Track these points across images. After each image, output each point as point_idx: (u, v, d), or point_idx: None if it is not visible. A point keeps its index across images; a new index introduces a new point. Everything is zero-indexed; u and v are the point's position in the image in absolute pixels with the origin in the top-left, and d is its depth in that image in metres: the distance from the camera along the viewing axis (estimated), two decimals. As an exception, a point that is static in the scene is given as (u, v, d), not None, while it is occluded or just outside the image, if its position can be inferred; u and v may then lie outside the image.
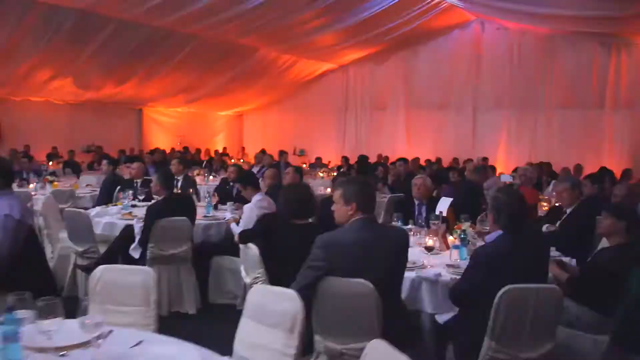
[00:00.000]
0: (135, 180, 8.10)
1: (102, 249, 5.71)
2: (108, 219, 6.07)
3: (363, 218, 3.16)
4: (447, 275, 3.88)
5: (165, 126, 20.75)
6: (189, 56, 15.80)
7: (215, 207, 6.96)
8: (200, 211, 6.59)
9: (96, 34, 13.39)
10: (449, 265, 4.08)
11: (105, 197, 7.81)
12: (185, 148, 19.33)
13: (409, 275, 3.74)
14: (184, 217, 5.37)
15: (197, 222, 5.98)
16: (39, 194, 7.71)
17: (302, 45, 16.83)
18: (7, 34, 12.50)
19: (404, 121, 18.82)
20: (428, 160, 15.60)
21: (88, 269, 5.66)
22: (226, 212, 6.36)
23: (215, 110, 22.16)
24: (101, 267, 3.31)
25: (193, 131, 21.14)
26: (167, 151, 18.25)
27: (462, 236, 4.29)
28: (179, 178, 8.32)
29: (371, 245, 3.11)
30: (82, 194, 8.28)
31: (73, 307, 5.74)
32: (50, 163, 14.89)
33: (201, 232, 6.02)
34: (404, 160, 12.37)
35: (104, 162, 8.63)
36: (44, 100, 16.63)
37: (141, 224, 5.39)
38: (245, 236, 4.46)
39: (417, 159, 14.75)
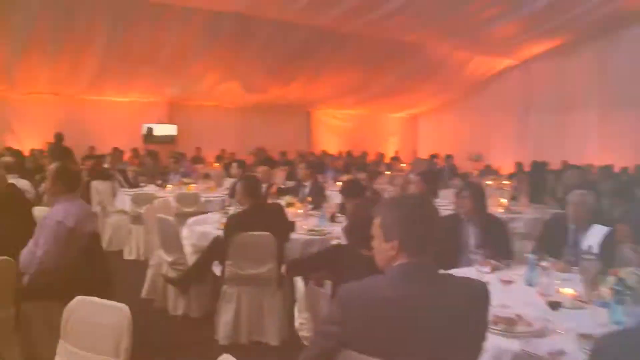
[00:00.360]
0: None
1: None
2: (204, 228, 5.48)
3: (409, 263, 1.94)
4: (574, 354, 2.37)
5: (334, 128, 20.42)
6: (353, 55, 15.18)
7: (332, 219, 6.01)
8: (313, 222, 5.73)
9: (256, 36, 13.38)
10: (583, 336, 2.48)
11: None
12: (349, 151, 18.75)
13: (499, 345, 2.42)
14: (267, 233, 4.50)
15: (298, 236, 5.11)
16: (160, 195, 7.57)
17: (476, 39, 15.12)
18: (174, 40, 13.00)
19: (597, 123, 15.94)
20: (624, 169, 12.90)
21: (173, 282, 5.12)
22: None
23: (386, 112, 21.31)
24: (77, 298, 2.58)
25: (364, 134, 20.50)
26: (336, 154, 17.91)
27: (620, 288, 2.73)
28: (306, 184, 7.57)
29: (415, 309, 1.89)
30: (212, 198, 7.95)
31: (163, 321, 5.27)
32: (217, 164, 15.36)
33: (300, 248, 5.11)
34: (578, 167, 10.16)
35: (234, 164, 8.25)
36: (215, 104, 17.26)
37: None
38: (299, 267, 3.46)
39: (608, 167, 12.25)
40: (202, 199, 7.75)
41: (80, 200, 4.28)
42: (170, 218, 5.16)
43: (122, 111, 15.81)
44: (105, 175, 8.76)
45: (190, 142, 16.58)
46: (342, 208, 5.82)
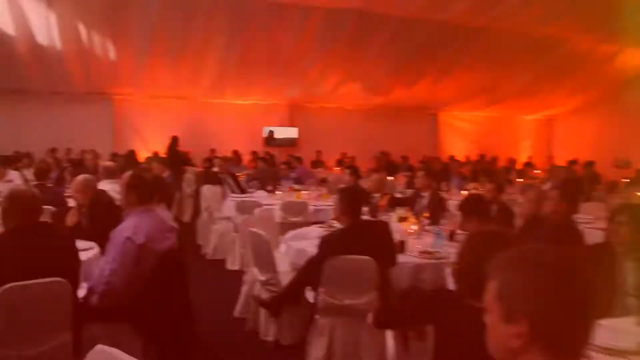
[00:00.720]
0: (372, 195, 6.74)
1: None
2: (302, 245, 4.81)
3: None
4: None
5: (462, 131, 19.06)
6: (482, 53, 13.86)
7: (452, 238, 5.07)
8: (428, 241, 4.86)
9: (378, 34, 12.62)
10: None
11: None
12: (481, 156, 17.30)
13: None
14: (367, 257, 3.72)
15: (407, 259, 4.29)
16: (266, 203, 7.05)
17: (626, 30, 13.09)
18: (292, 41, 12.63)
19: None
20: None
21: (264, 304, 4.51)
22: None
23: (519, 113, 19.51)
24: (98, 347, 1.99)
25: (494, 138, 18.88)
26: (463, 159, 16.63)
27: None
28: (424, 195, 6.66)
29: None
30: (323, 206, 7.30)
31: (252, 345, 4.70)
32: (337, 168, 14.82)
33: (409, 274, 4.26)
34: None
35: (346, 171, 7.53)
36: (337, 106, 16.73)
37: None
38: (390, 317, 2.61)
39: None
40: (312, 208, 7.14)
41: (158, 212, 3.80)
42: (263, 233, 4.53)
43: (243, 114, 15.80)
44: (215, 179, 8.50)
45: (311, 145, 16.17)
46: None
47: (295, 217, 6.84)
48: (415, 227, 5.24)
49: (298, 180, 9.29)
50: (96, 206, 4.42)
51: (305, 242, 4.91)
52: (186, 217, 10.48)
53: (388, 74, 14.65)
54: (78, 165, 11.06)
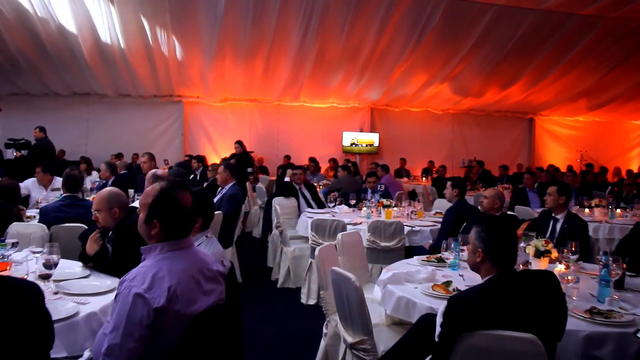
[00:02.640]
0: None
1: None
2: (404, 290, 3.40)
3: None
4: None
5: (562, 138, 17.01)
6: (588, 49, 11.95)
7: (619, 285, 3.52)
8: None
9: (470, 27, 11.03)
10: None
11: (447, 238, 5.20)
12: (589, 165, 15.15)
13: None
14: (528, 335, 2.26)
15: (572, 323, 2.77)
16: (349, 222, 5.67)
17: None
18: (373, 37, 11.28)
19: None
20: None
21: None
22: None
23: (629, 118, 17.17)
24: None
25: (599, 145, 16.70)
26: (563, 169, 14.61)
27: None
28: (558, 217, 5.06)
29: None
30: (418, 227, 5.85)
31: None
32: (424, 179, 13.29)
33: (578, 348, 2.76)
34: None
35: (449, 184, 6.02)
36: (422, 110, 15.21)
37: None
38: None
39: None
40: (406, 229, 5.71)
41: (196, 250, 2.49)
42: (352, 278, 3.14)
43: (320, 118, 14.59)
44: (288, 191, 7.24)
45: (394, 152, 14.79)
46: None
47: (388, 242, 5.44)
48: (563, 267, 3.71)
49: (385, 194, 7.84)
50: (124, 232, 3.21)
51: (410, 286, 3.50)
52: (256, 232, 9.32)
53: (480, 73, 13.04)
54: (136, 172, 10.21)
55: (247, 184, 10.22)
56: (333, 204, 6.85)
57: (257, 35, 10.94)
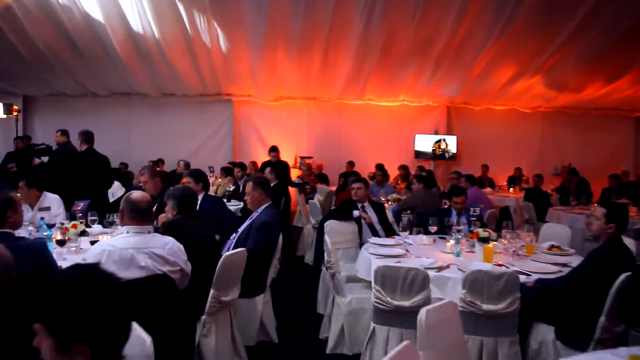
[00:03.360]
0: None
1: None
2: None
3: None
4: None
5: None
6: None
7: None
8: None
9: (571, 9, 8.84)
10: None
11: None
12: None
13: None
14: None
15: None
16: (431, 267, 3.82)
17: None
18: (449, 24, 9.32)
19: None
20: None
21: None
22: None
23: None
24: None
25: None
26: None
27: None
28: None
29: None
30: (539, 274, 3.91)
31: None
32: (511, 189, 11.19)
33: None
34: None
35: (600, 211, 4.04)
36: (508, 108, 13.06)
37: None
38: None
39: None
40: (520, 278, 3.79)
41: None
42: None
43: (388, 118, 12.73)
44: (344, 212, 5.46)
45: (474, 157, 12.77)
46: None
47: (493, 304, 3.54)
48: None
49: (477, 216, 5.91)
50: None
51: None
52: (309, 257, 7.60)
53: (578, 65, 10.76)
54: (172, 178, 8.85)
55: (301, 196, 8.55)
56: (407, 231, 5.01)
57: (311, 23, 9.25)
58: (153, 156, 11.76)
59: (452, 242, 4.57)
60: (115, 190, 7.88)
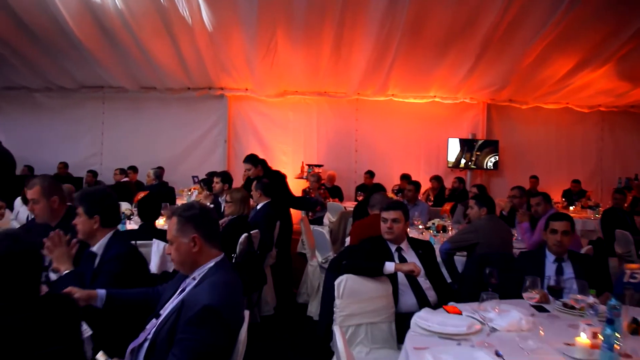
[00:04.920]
0: None
1: None
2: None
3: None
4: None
5: None
6: None
7: None
8: None
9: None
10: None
11: None
12: None
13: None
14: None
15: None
16: None
17: None
18: (500, 2, 7.14)
19: None
20: None
21: None
22: None
23: None
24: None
25: None
26: None
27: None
28: None
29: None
30: None
31: None
32: (572, 208, 8.89)
33: None
34: None
35: None
36: (561, 107, 10.76)
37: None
38: None
39: None
40: None
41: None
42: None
43: (416, 119, 10.48)
44: (370, 257, 3.27)
45: (520, 167, 10.59)
46: None
47: None
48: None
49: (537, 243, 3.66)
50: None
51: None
52: (314, 309, 5.35)
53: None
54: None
55: (304, 219, 6.29)
56: (488, 300, 2.75)
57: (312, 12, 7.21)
58: (130, 163, 9.61)
59: (585, 333, 2.29)
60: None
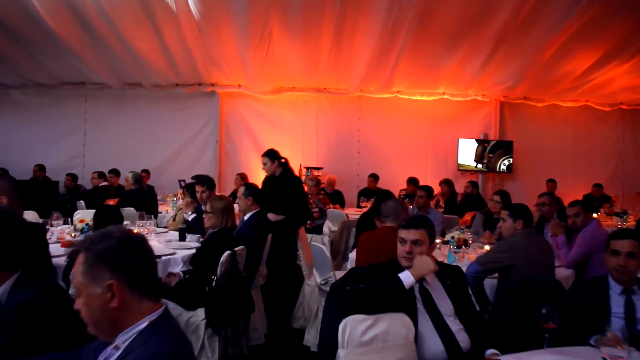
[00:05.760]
0: None
1: None
2: None
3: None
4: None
5: None
6: None
7: None
8: None
9: None
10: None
11: None
12: None
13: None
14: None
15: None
16: None
17: None
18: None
19: None
20: None
21: None
22: None
23: None
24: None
25: None
26: None
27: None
28: None
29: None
30: None
31: None
32: (595, 215, 8.04)
33: None
34: None
35: None
36: (580, 105, 9.98)
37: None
38: None
39: None
40: None
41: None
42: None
43: (424, 117, 9.73)
44: (383, 288, 2.54)
45: (535, 169, 9.86)
46: None
47: None
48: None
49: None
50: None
51: None
52: (311, 338, 4.56)
53: None
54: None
55: (300, 230, 5.46)
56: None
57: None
58: (114, 164, 8.82)
59: None
60: None
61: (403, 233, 2.73)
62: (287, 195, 5.40)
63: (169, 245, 4.59)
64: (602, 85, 9.13)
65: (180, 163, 9.39)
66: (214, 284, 3.85)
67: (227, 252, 3.83)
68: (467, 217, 5.77)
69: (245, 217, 4.64)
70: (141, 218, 5.23)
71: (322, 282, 4.35)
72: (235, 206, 4.73)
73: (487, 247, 4.43)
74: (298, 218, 5.40)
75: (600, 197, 9.07)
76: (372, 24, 7.31)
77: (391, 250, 2.91)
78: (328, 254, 4.28)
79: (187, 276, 4.09)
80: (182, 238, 4.86)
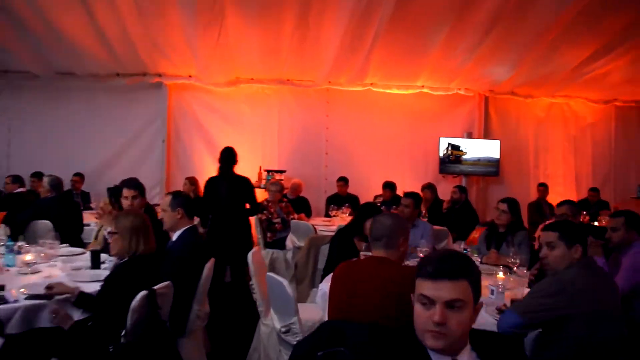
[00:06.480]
0: None
1: None
2: None
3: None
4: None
5: None
6: None
7: None
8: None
9: None
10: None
11: None
12: None
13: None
14: None
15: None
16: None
17: None
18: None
19: None
20: None
21: None
22: None
23: None
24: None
25: None
26: None
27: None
28: None
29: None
30: None
31: None
32: (595, 224, 7.17)
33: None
34: None
35: None
36: (572, 100, 9.12)
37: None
38: None
39: None
40: None
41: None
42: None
43: (401, 113, 8.66)
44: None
45: (524, 172, 8.88)
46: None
47: None
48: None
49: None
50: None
51: None
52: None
53: None
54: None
55: (253, 254, 4.21)
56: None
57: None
58: (44, 167, 7.50)
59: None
60: None
61: (428, 287, 1.51)
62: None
63: (75, 276, 3.38)
64: (596, 80, 8.25)
65: (121, 166, 8.07)
66: (122, 340, 2.65)
67: (142, 294, 2.65)
68: (475, 234, 4.68)
69: (175, 236, 3.43)
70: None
71: (283, 330, 3.18)
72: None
73: (500, 274, 3.33)
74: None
75: (596, 202, 8.17)
76: (343, 4, 6.22)
77: (382, 298, 1.77)
78: (290, 290, 3.10)
79: (89, 323, 2.88)
80: (95, 265, 3.64)
